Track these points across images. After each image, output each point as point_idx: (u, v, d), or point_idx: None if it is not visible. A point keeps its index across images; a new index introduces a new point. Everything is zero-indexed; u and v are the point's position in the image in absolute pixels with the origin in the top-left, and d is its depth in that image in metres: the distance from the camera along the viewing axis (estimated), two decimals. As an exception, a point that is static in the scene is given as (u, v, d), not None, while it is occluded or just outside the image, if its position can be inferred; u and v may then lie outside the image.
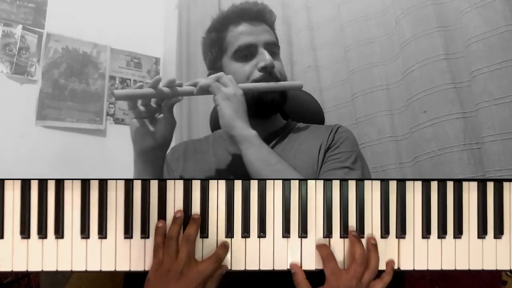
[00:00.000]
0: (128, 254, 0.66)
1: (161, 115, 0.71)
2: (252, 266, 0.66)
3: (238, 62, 0.78)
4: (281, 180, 0.68)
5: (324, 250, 0.65)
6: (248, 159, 0.69)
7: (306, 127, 0.85)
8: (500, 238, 0.68)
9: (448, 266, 0.67)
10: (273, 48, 0.81)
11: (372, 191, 0.68)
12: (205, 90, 0.71)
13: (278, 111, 0.85)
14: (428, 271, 0.67)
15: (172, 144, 0.77)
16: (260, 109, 0.79)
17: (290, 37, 1.41)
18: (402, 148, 1.12)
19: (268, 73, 0.77)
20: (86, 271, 0.66)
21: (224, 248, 0.65)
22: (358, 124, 1.19)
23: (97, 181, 0.67)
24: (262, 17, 0.81)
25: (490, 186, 0.69)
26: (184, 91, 0.71)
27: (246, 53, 0.78)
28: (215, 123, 1.00)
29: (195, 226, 0.64)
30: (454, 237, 0.68)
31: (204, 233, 0.66)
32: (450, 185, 0.69)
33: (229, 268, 0.66)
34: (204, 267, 0.61)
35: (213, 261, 0.63)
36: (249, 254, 0.66)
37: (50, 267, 0.66)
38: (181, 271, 0.60)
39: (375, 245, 0.65)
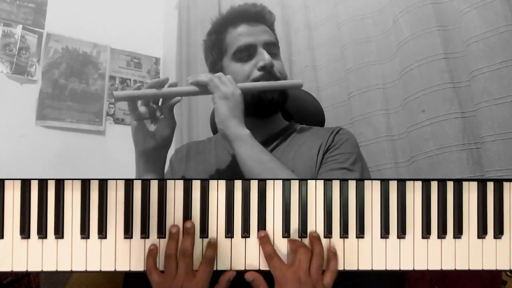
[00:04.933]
0: (128, 254, 0.65)
1: (162, 116, 0.71)
2: (252, 266, 0.66)
3: (237, 63, 0.79)
4: (281, 180, 0.68)
5: (266, 248, 0.64)
6: (240, 158, 0.70)
7: (307, 129, 0.85)
8: (500, 238, 0.68)
9: (448, 266, 0.67)
10: (272, 48, 0.81)
11: (372, 191, 0.68)
12: (203, 87, 0.71)
13: (278, 110, 0.85)
14: (428, 271, 0.67)
15: (174, 145, 0.77)
16: (260, 109, 0.80)
17: (289, 36, 1.41)
18: (397, 148, 1.12)
19: (268, 72, 0.78)
20: (86, 271, 0.66)
21: (211, 247, 0.64)
22: (354, 123, 1.19)
23: (97, 181, 0.67)
24: (261, 17, 0.81)
25: (490, 186, 0.69)
26: (184, 91, 0.71)
27: (246, 53, 0.78)
28: (215, 124, 1.00)
29: (190, 238, 0.63)
30: (454, 237, 0.68)
31: (204, 233, 0.66)
32: (450, 185, 0.69)
33: (226, 269, 0.65)
34: (200, 275, 0.62)
35: (205, 265, 0.62)
36: (249, 254, 0.66)
37: (50, 267, 0.66)
38: (181, 286, 0.60)
39: (317, 237, 0.65)
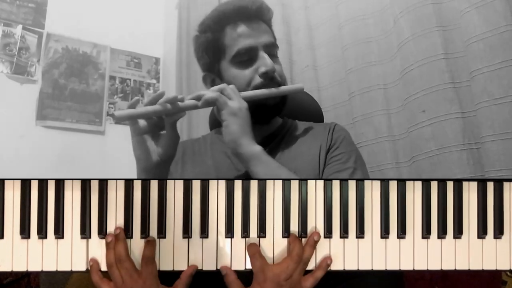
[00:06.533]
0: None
1: (163, 131, 0.68)
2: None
3: (238, 68, 0.75)
4: (281, 180, 0.68)
5: (251, 249, 0.65)
6: (257, 176, 0.68)
7: (303, 126, 0.84)
8: (500, 238, 0.68)
9: (448, 266, 0.67)
10: (272, 50, 0.78)
11: (372, 191, 0.68)
12: (210, 103, 0.69)
13: (279, 114, 0.84)
14: (428, 271, 0.67)
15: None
16: (262, 115, 0.77)
17: (289, 36, 1.41)
18: (399, 148, 1.12)
19: (270, 78, 0.74)
20: (86, 271, 0.66)
21: (148, 245, 0.65)
22: (355, 124, 1.19)
23: (97, 181, 0.67)
24: (260, 15, 0.77)
25: (490, 186, 0.69)
26: (188, 106, 0.68)
27: (246, 57, 0.75)
28: (214, 122, 0.99)
29: (121, 244, 0.64)
30: (454, 237, 0.68)
31: (204, 233, 0.66)
32: (450, 185, 0.69)
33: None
34: (144, 274, 0.62)
35: (145, 264, 0.63)
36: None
37: (50, 267, 0.66)
38: None
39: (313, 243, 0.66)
